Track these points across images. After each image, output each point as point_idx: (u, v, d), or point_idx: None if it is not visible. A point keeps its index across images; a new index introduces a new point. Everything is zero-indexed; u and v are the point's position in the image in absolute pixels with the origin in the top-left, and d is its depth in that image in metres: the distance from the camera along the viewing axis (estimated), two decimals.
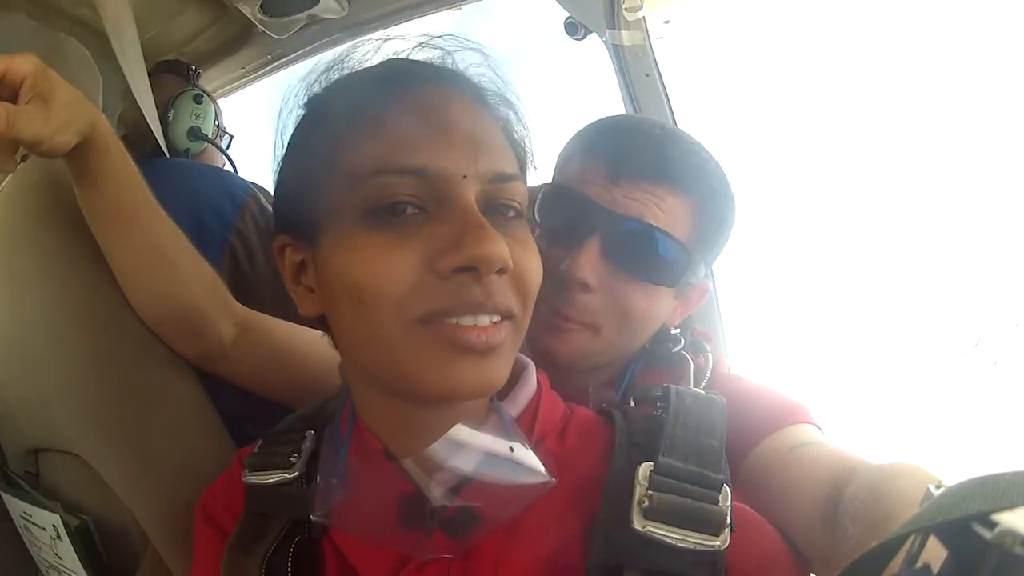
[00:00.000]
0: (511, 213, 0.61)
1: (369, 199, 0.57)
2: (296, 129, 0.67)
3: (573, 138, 0.99)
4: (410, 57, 0.66)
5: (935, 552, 0.31)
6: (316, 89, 0.67)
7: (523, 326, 0.62)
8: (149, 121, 1.17)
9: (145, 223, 0.89)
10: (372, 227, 0.57)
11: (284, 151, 0.68)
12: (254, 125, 1.90)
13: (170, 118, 1.53)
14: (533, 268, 0.61)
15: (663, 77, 1.49)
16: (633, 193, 0.86)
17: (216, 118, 1.61)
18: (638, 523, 0.57)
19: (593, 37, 1.52)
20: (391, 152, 0.57)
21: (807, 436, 0.82)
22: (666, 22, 1.49)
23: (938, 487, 0.33)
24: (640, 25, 1.44)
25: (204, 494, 0.79)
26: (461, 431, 0.61)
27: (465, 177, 0.57)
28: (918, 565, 0.32)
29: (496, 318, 0.58)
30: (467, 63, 0.66)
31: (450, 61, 0.66)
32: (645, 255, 0.87)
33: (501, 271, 0.56)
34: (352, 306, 0.58)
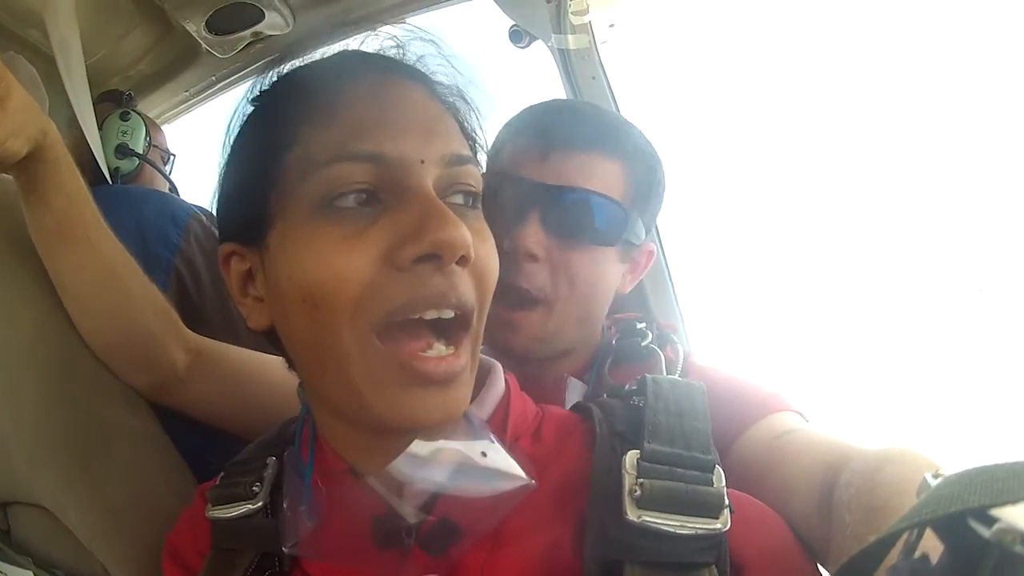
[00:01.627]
0: (469, 200, 0.60)
1: (322, 189, 0.54)
2: (243, 126, 0.65)
3: (501, 130, 1.02)
4: (363, 48, 0.65)
5: (933, 541, 0.31)
6: (266, 85, 0.65)
7: (479, 334, 0.61)
8: (91, 145, 1.15)
9: (95, 242, 0.86)
10: (325, 220, 0.54)
11: (229, 151, 0.66)
12: (200, 150, 1.87)
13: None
14: (492, 261, 0.60)
15: (609, 79, 1.50)
16: (564, 164, 0.90)
17: (148, 136, 1.56)
18: (632, 514, 0.55)
19: (537, 45, 1.54)
20: (345, 139, 0.55)
21: (790, 423, 0.82)
22: (611, 26, 1.51)
23: (935, 475, 0.33)
24: (586, 29, 1.46)
25: (170, 535, 0.76)
26: (420, 447, 0.57)
27: (423, 162, 0.56)
28: (916, 555, 0.32)
29: (456, 312, 0.56)
30: (419, 54, 0.65)
31: (402, 52, 0.64)
32: (583, 219, 0.90)
33: (463, 259, 0.55)
34: (305, 311, 0.55)
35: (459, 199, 0.59)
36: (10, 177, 0.97)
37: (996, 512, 0.27)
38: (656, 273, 1.52)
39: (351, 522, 0.61)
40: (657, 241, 1.47)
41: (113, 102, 1.58)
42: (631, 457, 0.58)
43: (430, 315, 0.55)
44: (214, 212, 0.69)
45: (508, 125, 1.01)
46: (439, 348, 0.56)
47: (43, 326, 0.90)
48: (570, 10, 1.42)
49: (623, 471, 0.58)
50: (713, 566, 0.55)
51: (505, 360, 0.75)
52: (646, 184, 0.95)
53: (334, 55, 0.65)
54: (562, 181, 0.89)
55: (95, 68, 1.59)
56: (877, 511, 0.55)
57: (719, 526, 0.56)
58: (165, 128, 1.84)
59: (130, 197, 1.26)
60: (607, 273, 0.95)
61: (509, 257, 0.87)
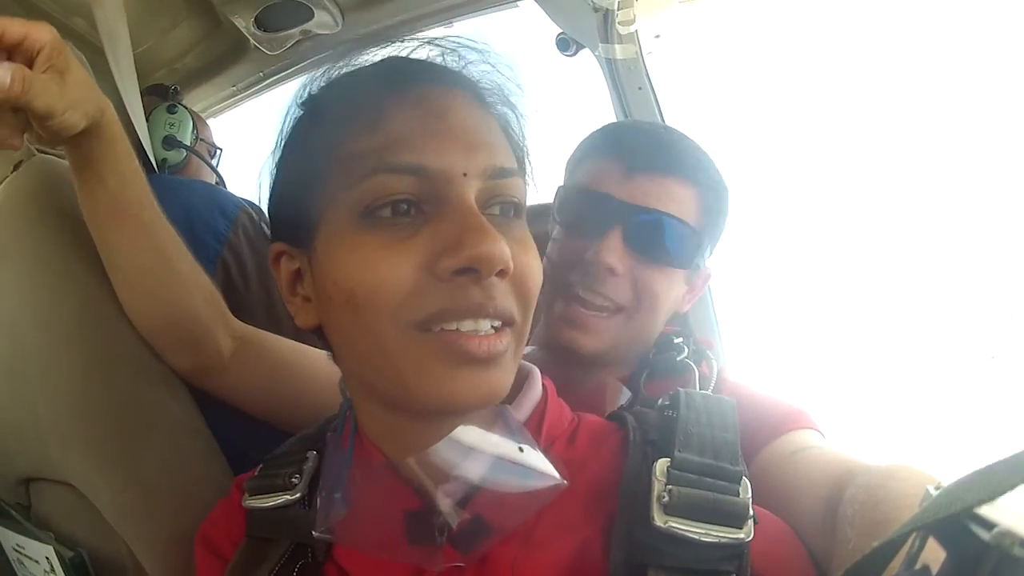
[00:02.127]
0: (511, 212, 0.60)
1: (366, 199, 0.55)
2: (293, 129, 0.66)
3: (582, 143, 1.06)
4: (410, 56, 0.65)
5: (934, 554, 0.31)
6: (314, 90, 0.66)
7: (524, 333, 0.61)
8: (139, 134, 1.16)
9: (148, 223, 0.86)
10: (368, 228, 0.56)
11: (280, 153, 0.67)
12: (247, 144, 1.89)
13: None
14: (533, 270, 0.60)
15: (655, 90, 1.51)
16: (647, 186, 0.94)
17: (196, 130, 1.58)
18: (659, 519, 0.55)
19: (584, 53, 1.54)
20: (389, 150, 0.56)
21: (808, 441, 0.84)
22: (656, 36, 1.51)
23: (937, 488, 0.33)
24: (633, 39, 1.47)
25: (204, 523, 0.76)
26: (466, 432, 0.58)
27: (465, 175, 0.56)
28: (917, 566, 0.32)
29: (497, 323, 0.56)
30: (466, 61, 0.65)
31: (450, 59, 0.64)
32: (662, 240, 0.94)
33: (502, 273, 0.55)
34: (349, 312, 0.56)
35: (499, 210, 0.60)
36: (58, 160, 0.99)
37: (995, 516, 0.28)
38: None
39: (385, 514, 0.61)
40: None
41: (159, 96, 1.59)
42: (661, 464, 0.60)
43: (466, 326, 0.55)
44: (264, 209, 0.70)
45: (590, 140, 1.06)
46: (484, 324, 0.56)
47: (88, 307, 0.90)
48: (617, 20, 1.42)
49: (653, 477, 0.59)
50: (733, 575, 0.56)
51: (550, 362, 0.76)
52: (716, 211, 1.00)
53: (381, 62, 0.65)
54: (644, 202, 0.93)
55: (141, 59, 1.54)
56: (880, 526, 0.56)
57: (742, 536, 0.56)
58: (212, 122, 1.86)
59: (179, 187, 1.26)
60: (675, 293, 0.99)
61: (589, 268, 0.93)
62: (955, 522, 0.29)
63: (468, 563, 0.59)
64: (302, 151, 0.64)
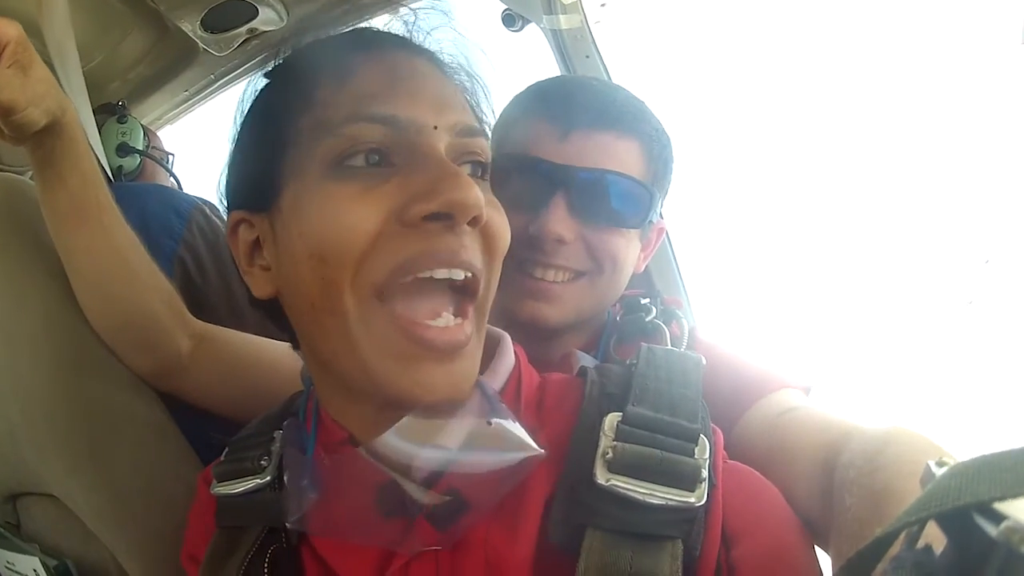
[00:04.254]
0: (479, 171, 0.61)
1: (336, 149, 0.56)
2: (256, 98, 0.67)
3: (508, 106, 0.99)
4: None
5: (937, 532, 0.30)
6: (280, 60, 0.67)
7: (485, 304, 0.60)
8: (92, 146, 1.16)
9: (107, 225, 0.87)
10: (338, 178, 0.55)
11: (242, 122, 0.67)
12: (202, 149, 1.90)
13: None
14: (503, 227, 0.60)
15: (603, 58, 1.51)
16: (585, 144, 0.88)
17: (147, 138, 1.63)
18: (601, 476, 0.54)
19: (531, 28, 1.54)
20: (360, 102, 0.56)
21: (793, 401, 0.82)
22: (602, 5, 1.51)
23: (939, 463, 0.32)
24: (577, 8, 1.47)
25: (184, 542, 0.77)
26: (415, 420, 0.56)
27: (435, 128, 0.57)
28: (919, 546, 0.32)
29: (466, 275, 0.56)
30: (429, 28, 0.66)
31: (415, 31, 0.66)
32: (608, 200, 0.89)
33: (475, 220, 0.55)
34: (311, 267, 0.56)
35: (469, 169, 0.60)
36: (17, 176, 1.00)
37: (1004, 509, 0.26)
38: (660, 250, 1.52)
39: (354, 493, 0.60)
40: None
41: (108, 113, 1.63)
42: (611, 419, 0.58)
43: (440, 274, 0.55)
44: (223, 188, 0.70)
45: (515, 103, 0.99)
46: (447, 317, 0.56)
47: (52, 315, 0.92)
48: None
49: (601, 432, 0.57)
50: (679, 542, 0.53)
51: (522, 331, 0.75)
52: (662, 162, 0.95)
53: (348, 31, 0.67)
54: (584, 162, 0.87)
55: (94, 73, 1.61)
56: (878, 494, 0.54)
57: (692, 500, 0.54)
58: (168, 128, 1.91)
59: (133, 192, 1.28)
60: (632, 252, 0.95)
61: (535, 242, 0.88)
62: (960, 512, 0.28)
63: (446, 544, 0.58)
64: (268, 115, 0.64)
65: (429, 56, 0.64)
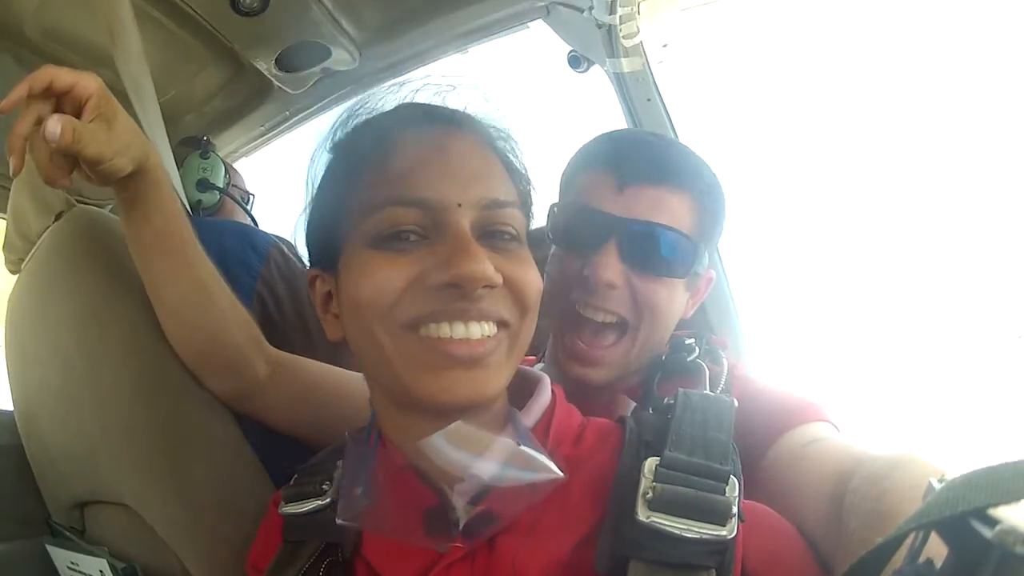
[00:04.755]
0: (506, 237, 0.67)
1: (378, 228, 0.64)
2: (324, 172, 0.74)
3: (573, 157, 1.06)
4: (416, 97, 0.73)
5: (938, 548, 0.31)
6: (339, 135, 0.74)
7: (521, 334, 0.67)
8: (172, 180, 1.22)
9: (190, 257, 0.93)
10: (378, 250, 0.64)
11: (315, 192, 0.74)
12: (275, 183, 1.98)
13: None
14: (530, 280, 0.66)
15: (664, 100, 1.53)
16: (638, 198, 0.94)
17: (227, 176, 1.68)
18: (642, 514, 0.59)
19: (596, 68, 1.58)
20: (396, 187, 0.64)
21: (820, 433, 0.84)
22: (664, 46, 1.53)
23: (940, 480, 0.33)
24: (638, 51, 1.49)
25: (251, 552, 0.82)
26: (461, 427, 0.63)
27: (460, 205, 0.63)
28: (920, 560, 0.33)
29: (487, 326, 0.63)
30: (468, 99, 0.73)
31: (451, 99, 0.73)
32: (657, 251, 0.94)
33: (487, 288, 0.62)
34: (355, 317, 0.65)
35: (497, 237, 0.66)
36: (95, 209, 1.07)
37: (998, 514, 0.28)
38: (716, 286, 1.52)
39: (405, 509, 0.67)
40: (717, 257, 1.48)
41: (192, 146, 1.70)
42: (650, 463, 0.63)
43: (458, 332, 0.62)
44: (301, 241, 0.77)
45: (581, 152, 1.05)
46: (472, 328, 0.62)
47: (134, 338, 0.97)
48: (621, 34, 1.45)
49: (641, 475, 0.62)
50: (713, 571, 0.58)
51: (574, 388, 0.79)
52: (711, 216, 0.99)
53: (393, 109, 0.73)
54: (637, 214, 0.93)
55: (169, 105, 1.67)
56: (884, 517, 0.57)
57: (724, 533, 0.58)
58: (244, 161, 1.98)
59: (212, 228, 1.32)
60: (677, 301, 0.99)
61: (588, 284, 0.93)
62: (958, 518, 0.29)
63: (472, 547, 0.64)
64: (329, 191, 0.73)
65: (468, 126, 0.70)
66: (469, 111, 0.72)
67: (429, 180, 0.64)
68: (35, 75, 0.71)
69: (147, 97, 1.19)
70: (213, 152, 1.68)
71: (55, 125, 0.69)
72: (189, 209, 1.47)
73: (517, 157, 0.73)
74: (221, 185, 1.65)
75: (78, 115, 0.73)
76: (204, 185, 1.63)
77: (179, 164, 1.55)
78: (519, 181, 0.72)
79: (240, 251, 1.30)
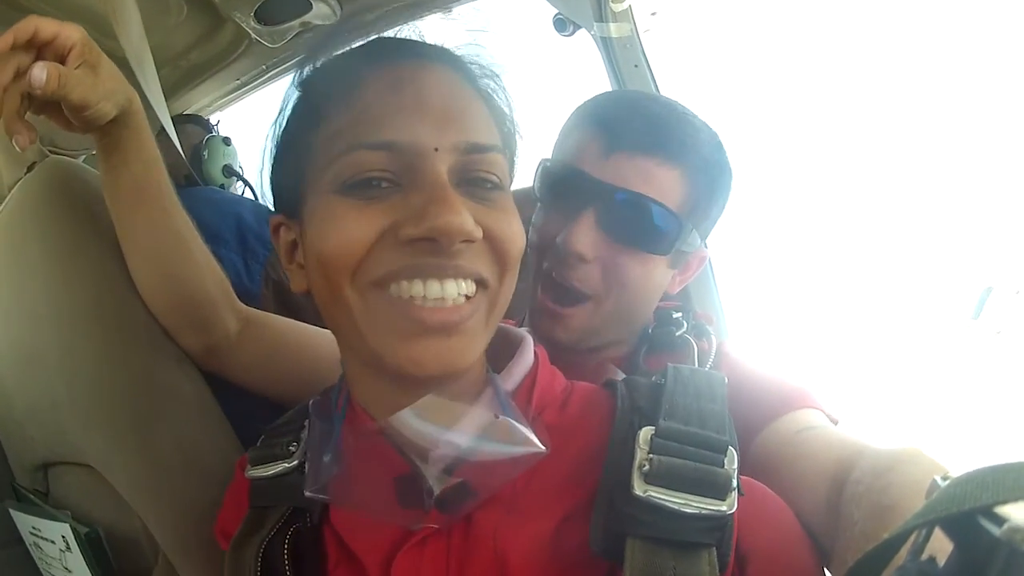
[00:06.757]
0: (488, 185, 0.61)
1: (344, 174, 0.58)
2: (290, 110, 0.69)
3: (572, 114, 1.00)
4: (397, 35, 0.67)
5: (940, 544, 0.31)
6: (308, 71, 0.68)
7: (500, 296, 0.62)
8: (177, 146, 1.23)
9: (167, 206, 0.91)
10: (343, 197, 0.58)
11: (279, 132, 0.70)
12: (254, 136, 1.96)
13: (205, 157, 1.80)
14: (514, 234, 0.61)
15: (652, 67, 1.50)
16: (625, 166, 0.88)
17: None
18: (639, 488, 0.56)
19: (582, 33, 1.54)
20: (364, 127, 0.58)
21: (812, 420, 0.82)
22: (653, 14, 1.50)
23: (944, 478, 0.33)
24: (627, 16, 1.47)
25: (219, 517, 0.81)
26: (433, 400, 0.60)
27: (436, 149, 0.58)
28: (923, 557, 0.33)
29: (464, 284, 0.58)
30: (451, 36, 0.67)
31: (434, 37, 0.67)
32: (637, 224, 0.89)
33: (466, 243, 0.57)
34: (319, 273, 0.60)
35: (478, 184, 0.61)
36: (69, 159, 1.04)
37: (1006, 511, 0.28)
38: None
39: (374, 477, 0.64)
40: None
41: (198, 124, 1.85)
42: (645, 433, 0.60)
43: (432, 291, 0.57)
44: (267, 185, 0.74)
45: (576, 113, 1.00)
46: (448, 286, 0.57)
47: (103, 293, 0.95)
48: None
49: (636, 446, 0.59)
50: (713, 548, 0.55)
51: (548, 347, 0.77)
52: (706, 194, 0.93)
53: (366, 42, 0.67)
54: (621, 183, 0.88)
55: None
56: (887, 510, 0.56)
57: (724, 508, 0.56)
58: (219, 115, 2.01)
59: (229, 199, 1.44)
60: (655, 278, 0.94)
61: (560, 252, 0.89)
62: (965, 516, 0.29)
63: (448, 524, 0.61)
64: (293, 131, 0.67)
65: (447, 61, 0.64)
66: (449, 46, 0.66)
67: (401, 120, 0.58)
68: (19, 26, 0.68)
69: (147, 67, 1.15)
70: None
71: (40, 71, 0.68)
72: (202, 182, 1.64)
73: (501, 98, 0.67)
74: (242, 175, 1.84)
75: (63, 63, 0.71)
76: (229, 171, 1.80)
77: (183, 136, 1.65)
78: (502, 123, 0.66)
79: (255, 224, 1.38)
